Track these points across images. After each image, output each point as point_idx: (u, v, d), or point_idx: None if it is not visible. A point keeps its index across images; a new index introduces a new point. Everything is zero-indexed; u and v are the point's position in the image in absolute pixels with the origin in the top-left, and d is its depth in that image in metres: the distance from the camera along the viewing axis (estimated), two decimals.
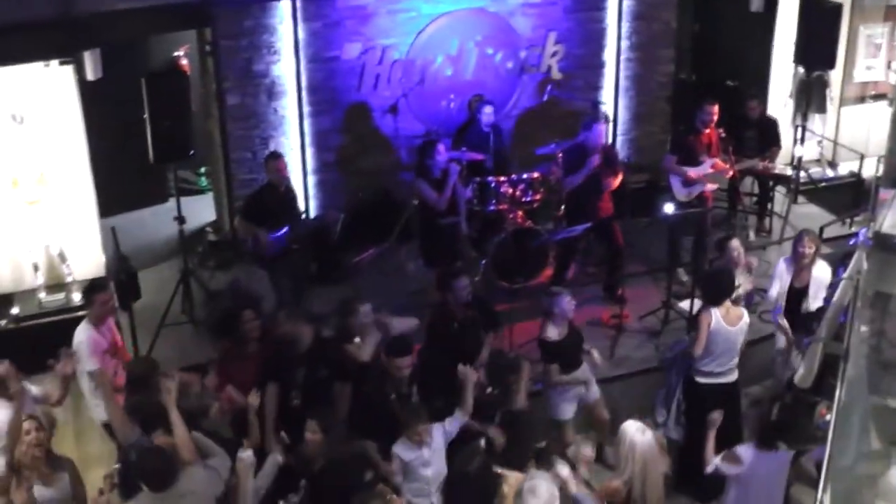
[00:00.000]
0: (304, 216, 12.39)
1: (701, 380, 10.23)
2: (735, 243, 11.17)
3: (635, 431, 8.19)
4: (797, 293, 10.93)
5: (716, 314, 10.04)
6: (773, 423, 8.79)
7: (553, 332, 10.26)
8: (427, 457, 8.81)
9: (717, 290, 10.25)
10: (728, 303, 10.07)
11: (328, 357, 9.83)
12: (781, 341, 11.07)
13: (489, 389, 9.68)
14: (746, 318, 10.15)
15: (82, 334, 9.99)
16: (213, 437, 8.71)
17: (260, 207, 11.90)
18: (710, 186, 13.37)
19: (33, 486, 8.29)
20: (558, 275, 13.03)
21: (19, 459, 8.30)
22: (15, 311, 12.17)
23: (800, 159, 15.27)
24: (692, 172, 13.19)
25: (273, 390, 9.55)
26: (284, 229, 11.79)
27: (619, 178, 13.08)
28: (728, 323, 10.01)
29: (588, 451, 8.72)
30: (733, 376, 10.28)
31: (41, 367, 11.39)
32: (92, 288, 10.33)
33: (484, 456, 8.20)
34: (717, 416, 9.19)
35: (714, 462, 8.77)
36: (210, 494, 7.90)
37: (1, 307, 12.26)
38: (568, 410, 10.49)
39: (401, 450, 8.81)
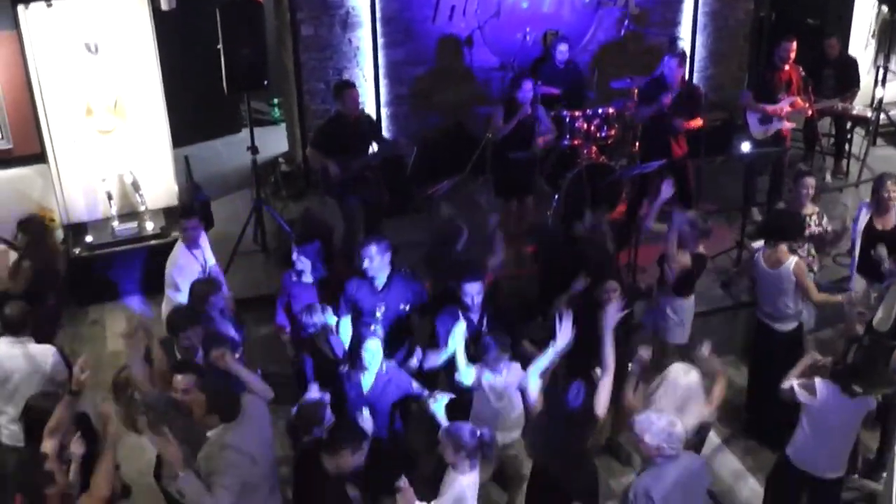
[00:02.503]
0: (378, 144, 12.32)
1: (759, 315, 10.15)
2: (810, 180, 10.74)
3: (680, 372, 8.11)
4: (878, 237, 10.35)
5: (760, 251, 9.96)
6: (849, 366, 8.55)
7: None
8: (500, 388, 8.63)
9: (768, 225, 10.24)
10: (782, 246, 9.71)
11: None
12: (859, 284, 10.66)
13: None
14: (789, 265, 9.66)
15: (177, 252, 10.17)
16: None
17: (330, 137, 11.77)
18: (788, 125, 13.11)
19: None
20: (631, 211, 12.86)
21: None
22: (89, 239, 12.29)
23: (880, 101, 14.95)
24: (770, 109, 12.95)
25: None
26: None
27: (698, 121, 12.58)
28: (767, 264, 9.80)
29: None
30: (784, 325, 9.97)
31: (113, 295, 11.63)
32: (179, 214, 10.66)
33: None
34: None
35: (792, 382, 8.48)
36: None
37: (75, 235, 12.42)
38: None
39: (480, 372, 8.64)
